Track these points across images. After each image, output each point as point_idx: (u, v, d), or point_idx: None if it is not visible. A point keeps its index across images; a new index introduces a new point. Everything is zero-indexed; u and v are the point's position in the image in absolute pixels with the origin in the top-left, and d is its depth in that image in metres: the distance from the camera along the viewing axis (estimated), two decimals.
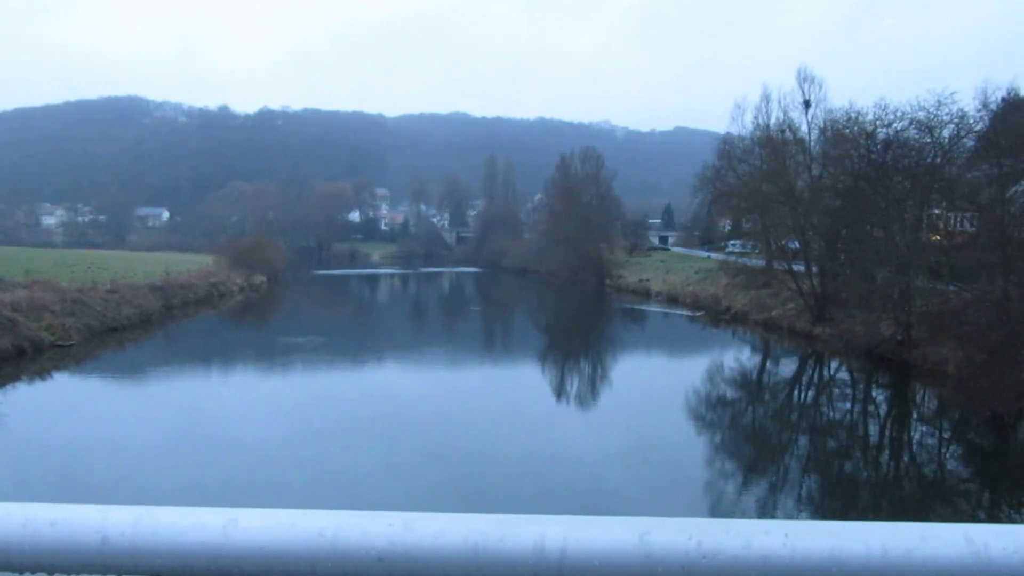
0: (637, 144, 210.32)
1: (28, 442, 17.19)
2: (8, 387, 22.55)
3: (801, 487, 16.40)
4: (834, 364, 30.81)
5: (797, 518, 14.20)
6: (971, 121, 30.31)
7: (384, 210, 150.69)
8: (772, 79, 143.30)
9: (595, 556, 0.98)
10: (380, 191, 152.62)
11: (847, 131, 36.41)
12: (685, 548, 0.96)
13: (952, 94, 30.72)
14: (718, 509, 14.47)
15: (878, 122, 33.66)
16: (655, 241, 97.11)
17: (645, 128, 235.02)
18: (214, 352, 31.76)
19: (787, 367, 32.36)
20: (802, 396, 27.50)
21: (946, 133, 30.79)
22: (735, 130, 50.44)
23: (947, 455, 19.08)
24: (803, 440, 20.93)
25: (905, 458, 19.03)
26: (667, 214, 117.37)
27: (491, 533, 0.97)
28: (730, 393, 26.86)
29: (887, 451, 19.69)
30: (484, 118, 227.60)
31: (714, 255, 63.08)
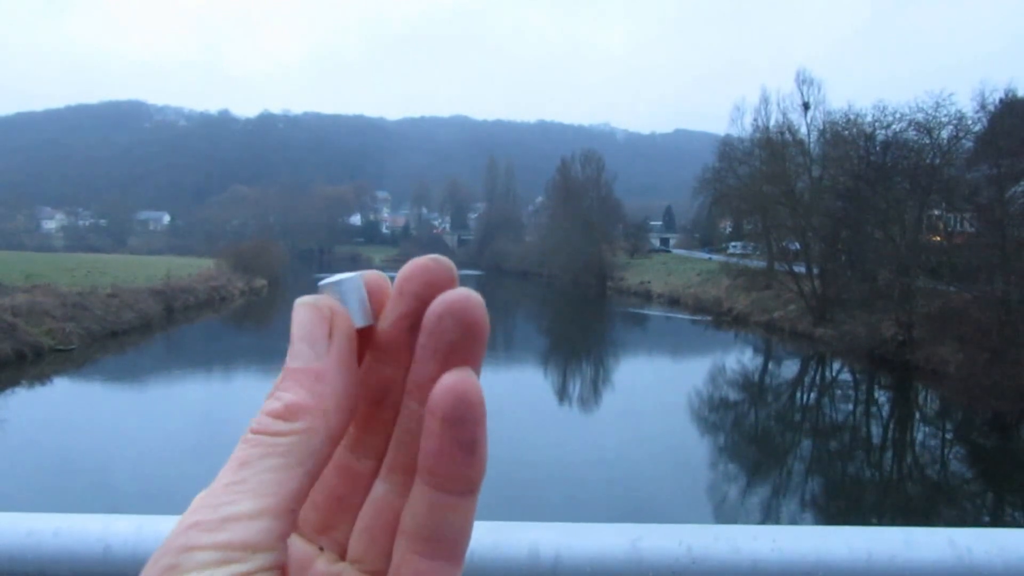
0: (637, 146, 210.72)
1: (30, 448, 17.21)
2: (8, 392, 22.56)
3: (804, 489, 16.41)
4: (836, 365, 30.81)
5: (800, 520, 14.22)
6: (969, 122, 30.41)
7: (385, 213, 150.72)
8: (771, 83, 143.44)
9: (588, 562, 0.99)
10: (381, 194, 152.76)
11: (846, 133, 36.48)
12: (675, 554, 0.98)
13: (950, 95, 30.85)
14: (722, 509, 14.50)
15: (877, 124, 33.77)
16: (656, 243, 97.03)
17: (645, 130, 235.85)
18: (216, 356, 31.78)
19: (789, 369, 32.35)
20: (805, 398, 27.50)
21: (945, 134, 30.88)
22: (735, 132, 50.56)
23: (950, 456, 19.07)
24: (806, 442, 20.93)
25: (908, 459, 19.02)
26: (668, 216, 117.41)
27: (486, 540, 0.99)
28: (733, 396, 26.86)
29: (890, 452, 19.69)
30: (484, 121, 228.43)
31: (715, 257, 63.08)
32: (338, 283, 0.41)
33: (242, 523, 0.34)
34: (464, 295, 0.38)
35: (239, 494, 0.35)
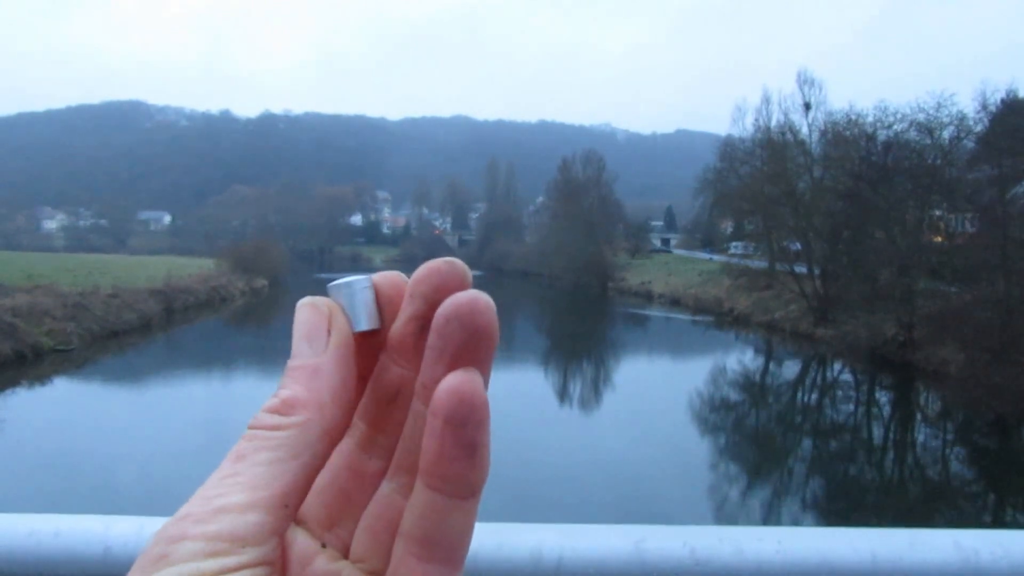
0: (638, 146, 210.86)
1: (30, 448, 17.21)
2: (8, 392, 22.55)
3: (806, 490, 16.40)
4: (837, 366, 30.79)
5: (802, 521, 14.21)
6: (970, 123, 30.42)
7: (386, 213, 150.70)
8: (773, 83, 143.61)
9: (591, 564, 0.99)
10: (382, 194, 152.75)
11: (848, 133, 36.48)
12: (679, 555, 0.98)
13: (951, 96, 30.86)
14: (725, 510, 14.50)
15: (878, 124, 33.78)
16: (657, 243, 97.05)
17: (646, 131, 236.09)
18: (216, 356, 31.78)
19: (791, 369, 32.33)
20: (806, 398, 27.49)
21: (946, 135, 30.88)
22: (736, 132, 50.59)
23: (951, 457, 19.06)
24: (807, 443, 20.93)
25: (909, 460, 19.01)
26: (669, 216, 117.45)
27: (488, 542, 0.99)
28: (734, 396, 26.84)
29: (891, 453, 19.68)
30: (486, 121, 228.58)
31: (716, 257, 63.05)
32: (341, 285, 0.41)
33: (232, 515, 0.34)
34: (472, 298, 0.38)
35: (232, 487, 0.35)
